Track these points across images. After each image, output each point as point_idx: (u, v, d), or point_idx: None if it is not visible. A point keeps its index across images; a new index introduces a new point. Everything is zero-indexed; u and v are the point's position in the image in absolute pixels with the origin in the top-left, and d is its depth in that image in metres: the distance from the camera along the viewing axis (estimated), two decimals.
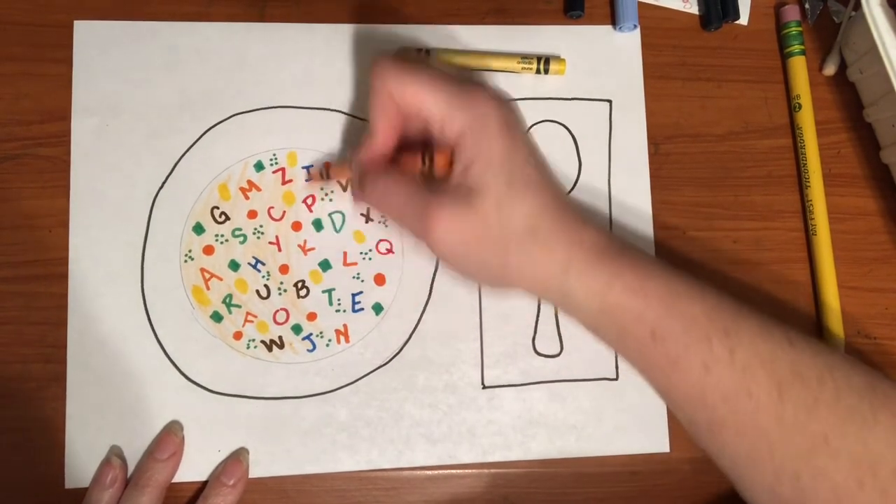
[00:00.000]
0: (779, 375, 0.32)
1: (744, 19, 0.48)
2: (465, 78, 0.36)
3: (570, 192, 0.45)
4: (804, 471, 0.31)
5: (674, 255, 0.45)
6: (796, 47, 0.47)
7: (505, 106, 0.35)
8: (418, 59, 0.37)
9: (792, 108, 0.47)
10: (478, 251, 0.34)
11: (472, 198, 0.33)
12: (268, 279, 0.43)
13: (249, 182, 0.43)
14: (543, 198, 0.34)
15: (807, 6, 0.49)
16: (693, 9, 0.48)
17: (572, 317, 0.36)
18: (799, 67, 0.47)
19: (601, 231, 0.35)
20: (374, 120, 0.37)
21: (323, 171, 0.43)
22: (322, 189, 0.44)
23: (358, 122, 0.45)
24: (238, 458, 0.41)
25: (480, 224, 0.33)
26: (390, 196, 0.36)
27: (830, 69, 0.48)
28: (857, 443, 0.31)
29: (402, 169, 0.38)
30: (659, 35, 0.48)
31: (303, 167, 0.44)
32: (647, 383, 0.36)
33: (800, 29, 0.47)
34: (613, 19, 0.47)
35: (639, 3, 0.47)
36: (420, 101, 0.35)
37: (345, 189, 0.44)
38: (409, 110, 0.36)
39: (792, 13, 0.48)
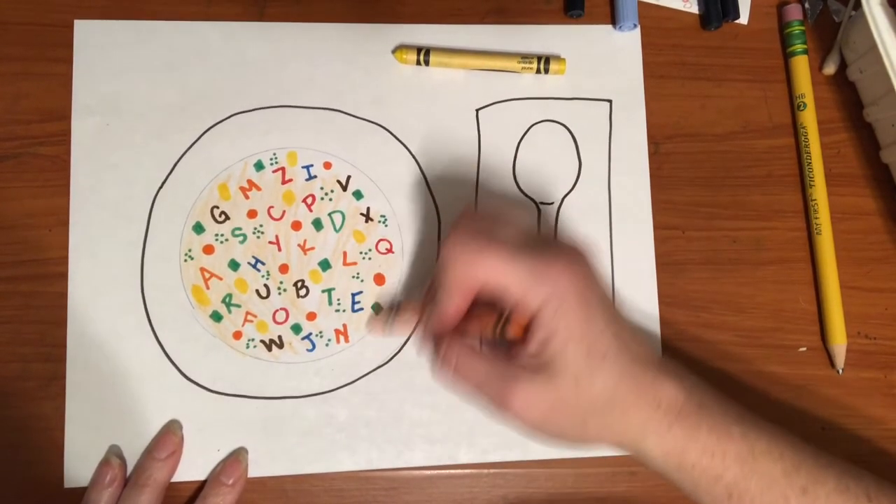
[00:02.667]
0: None
1: (744, 19, 0.48)
2: (539, 243, 0.36)
3: (569, 192, 0.45)
4: None
5: (674, 254, 0.45)
6: (799, 46, 0.47)
7: (581, 273, 0.35)
8: (482, 225, 0.36)
9: (795, 107, 0.47)
10: (556, 421, 0.35)
11: (550, 373, 0.34)
12: (267, 279, 0.43)
13: (249, 181, 0.44)
14: (621, 366, 0.34)
15: (807, 5, 0.49)
16: (693, 8, 0.48)
17: (649, 467, 0.37)
18: (802, 67, 0.47)
19: (679, 387, 0.36)
20: (448, 293, 0.36)
21: (391, 316, 0.42)
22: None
23: (357, 122, 0.45)
24: (237, 457, 0.41)
25: (559, 398, 0.34)
26: (468, 371, 0.36)
27: (830, 69, 0.48)
28: None
29: (471, 328, 0.37)
30: (659, 35, 0.48)
31: (372, 310, 0.43)
32: None
33: (802, 28, 0.47)
34: (613, 19, 0.47)
35: (639, 2, 0.47)
36: (496, 280, 0.34)
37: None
38: (486, 287, 0.35)
39: (794, 12, 0.48)
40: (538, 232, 0.37)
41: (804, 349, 0.45)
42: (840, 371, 0.44)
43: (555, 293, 0.34)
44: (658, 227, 0.45)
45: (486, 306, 0.37)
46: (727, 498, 0.35)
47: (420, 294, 0.43)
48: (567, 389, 0.34)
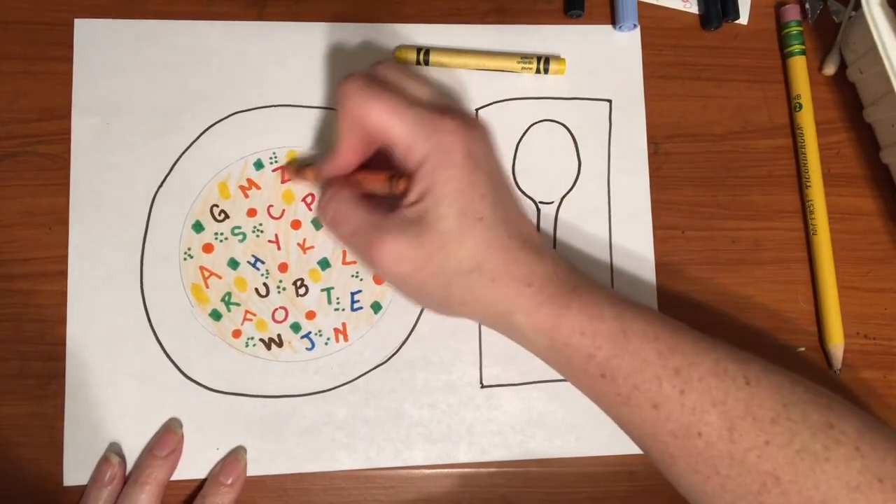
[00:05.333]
0: (730, 416, 0.32)
1: (744, 19, 0.48)
2: (436, 103, 0.36)
3: (568, 191, 0.45)
4: None
5: (674, 254, 0.45)
6: (796, 47, 0.47)
7: (473, 136, 0.34)
8: (393, 76, 0.37)
9: (792, 107, 0.47)
10: (421, 279, 0.34)
11: (420, 229, 0.33)
12: (267, 277, 0.43)
13: (249, 180, 0.44)
14: (494, 234, 0.34)
15: (807, 6, 0.49)
16: (693, 8, 0.48)
17: (520, 345, 0.36)
18: (799, 67, 0.47)
19: (556, 267, 0.35)
20: (340, 138, 0.36)
21: (299, 169, 0.43)
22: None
23: None
24: (236, 456, 0.41)
25: (426, 254, 0.33)
26: (344, 218, 0.36)
27: (830, 69, 0.48)
28: (808, 482, 0.31)
29: (365, 184, 0.38)
30: (659, 35, 0.48)
31: (285, 164, 0.44)
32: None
33: (800, 28, 0.47)
34: (613, 19, 0.47)
35: (639, 2, 0.47)
36: (384, 125, 0.34)
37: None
38: (374, 133, 0.35)
39: (792, 13, 0.48)
40: (443, 97, 0.37)
41: (803, 349, 0.45)
42: (837, 372, 0.44)
43: (440, 148, 0.33)
44: (657, 226, 0.45)
45: (385, 163, 0.37)
46: (600, 378, 0.34)
47: None
48: (435, 247, 0.33)
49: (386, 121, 0.34)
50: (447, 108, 0.35)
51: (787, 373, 0.35)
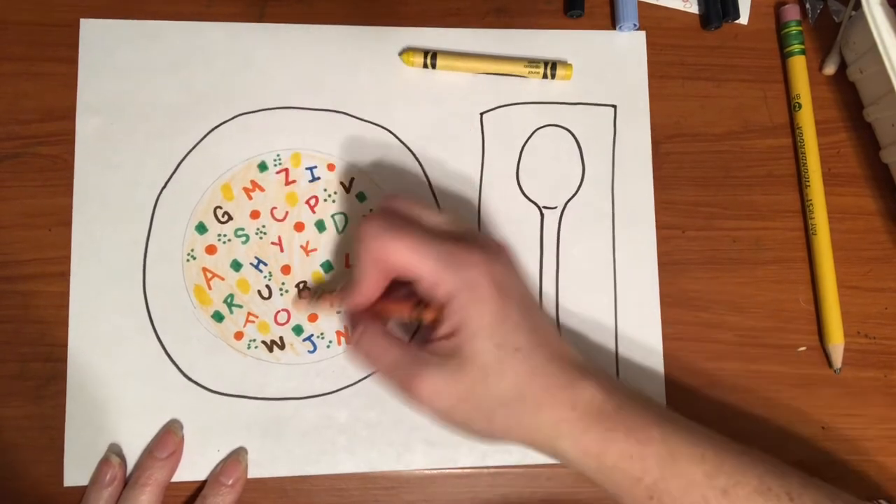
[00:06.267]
0: None
1: (744, 19, 0.49)
2: (455, 232, 0.36)
3: (572, 196, 0.45)
4: None
5: (674, 254, 0.45)
6: (796, 47, 0.47)
7: (497, 266, 0.35)
8: (407, 208, 0.37)
9: (792, 107, 0.47)
10: (463, 411, 0.34)
11: (459, 362, 0.33)
12: (269, 279, 0.43)
13: (253, 182, 0.43)
14: (533, 362, 0.34)
15: (807, 6, 0.49)
16: (693, 8, 0.48)
17: (567, 467, 0.36)
18: (799, 67, 0.47)
19: (598, 388, 0.35)
20: (361, 275, 0.36)
21: (316, 294, 0.42)
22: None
23: (361, 124, 0.45)
24: (237, 458, 0.41)
25: (466, 388, 0.33)
26: (379, 354, 0.36)
27: (830, 69, 0.48)
28: None
29: (388, 311, 0.38)
30: (659, 35, 0.48)
31: (300, 286, 0.43)
32: None
33: (800, 28, 0.48)
34: (613, 19, 0.47)
35: (639, 2, 0.47)
36: (408, 263, 0.34)
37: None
38: (398, 270, 0.35)
39: (792, 13, 0.48)
40: (460, 224, 0.37)
41: (804, 349, 0.45)
42: (837, 371, 0.44)
43: (467, 283, 0.33)
44: (658, 226, 0.45)
45: (406, 290, 0.36)
46: (648, 499, 0.34)
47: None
48: (475, 380, 0.33)
49: (410, 259, 0.34)
50: (468, 238, 0.35)
51: (825, 486, 0.36)
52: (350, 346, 0.37)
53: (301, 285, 0.43)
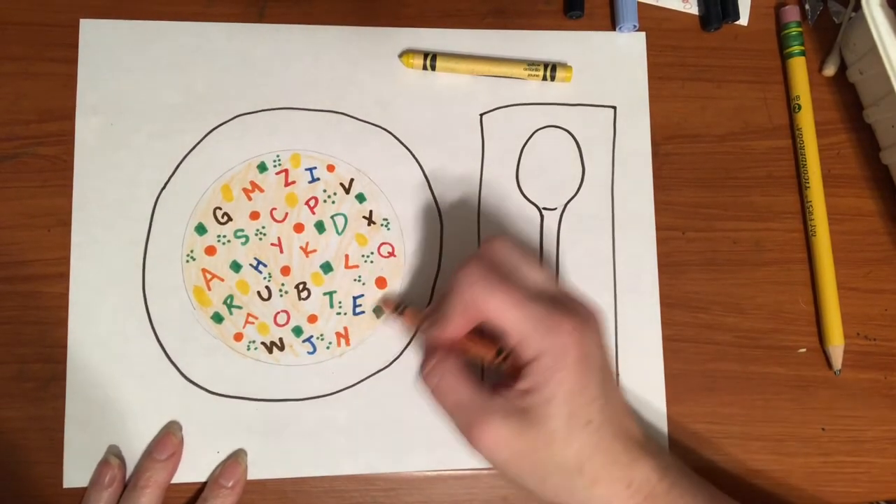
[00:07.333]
0: None
1: (744, 20, 0.49)
2: (552, 294, 0.36)
3: (572, 198, 0.45)
4: None
5: (674, 255, 0.45)
6: (796, 48, 0.47)
7: (587, 336, 0.35)
8: (508, 258, 0.36)
9: (792, 108, 0.47)
10: (519, 467, 0.34)
11: (528, 421, 0.34)
12: (269, 280, 0.43)
13: (252, 183, 0.43)
14: (601, 438, 0.34)
15: (807, 7, 0.49)
16: (693, 9, 0.48)
17: None
18: (798, 68, 0.47)
19: (654, 468, 0.35)
20: (450, 315, 0.36)
21: (400, 307, 0.42)
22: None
23: (361, 125, 0.45)
24: (236, 459, 0.41)
25: (529, 448, 0.34)
26: (449, 391, 0.36)
27: (830, 70, 0.48)
28: None
29: (468, 349, 0.37)
30: (659, 35, 0.48)
31: (381, 302, 0.43)
32: None
33: (799, 29, 0.48)
34: (613, 20, 0.47)
35: (639, 3, 0.47)
36: (501, 318, 0.34)
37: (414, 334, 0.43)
38: (489, 320, 0.35)
39: (792, 14, 0.48)
40: (557, 284, 0.37)
41: (804, 350, 0.45)
42: (837, 372, 0.44)
43: (556, 348, 0.34)
44: (658, 228, 0.45)
45: (492, 333, 0.36)
46: None
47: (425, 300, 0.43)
48: (540, 443, 0.34)
49: (504, 316, 0.34)
50: (564, 303, 0.35)
51: None
52: (421, 375, 0.37)
53: (387, 298, 0.43)
